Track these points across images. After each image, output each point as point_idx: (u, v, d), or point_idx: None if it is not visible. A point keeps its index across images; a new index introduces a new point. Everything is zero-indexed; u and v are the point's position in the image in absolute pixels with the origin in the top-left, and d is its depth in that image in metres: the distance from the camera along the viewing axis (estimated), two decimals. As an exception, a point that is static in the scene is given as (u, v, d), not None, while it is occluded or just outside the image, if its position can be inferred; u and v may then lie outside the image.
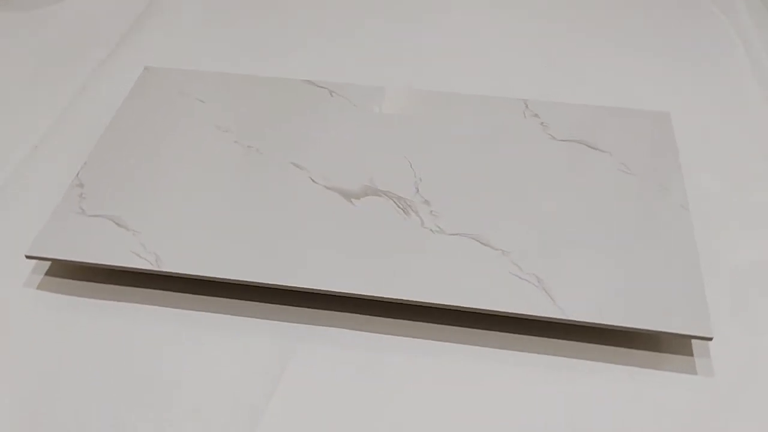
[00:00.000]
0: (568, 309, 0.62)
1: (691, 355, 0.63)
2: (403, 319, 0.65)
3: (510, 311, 0.62)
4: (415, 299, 0.63)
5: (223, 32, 0.92)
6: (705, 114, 0.86)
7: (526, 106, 0.81)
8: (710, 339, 0.60)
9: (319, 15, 1.02)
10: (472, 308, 0.63)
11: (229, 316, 0.66)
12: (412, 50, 0.95)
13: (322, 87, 0.83)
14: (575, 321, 0.62)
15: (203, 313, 0.66)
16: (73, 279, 0.69)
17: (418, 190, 0.72)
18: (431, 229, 0.68)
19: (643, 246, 0.67)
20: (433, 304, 0.63)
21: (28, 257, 0.66)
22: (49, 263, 0.70)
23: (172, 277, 0.66)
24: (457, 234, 0.68)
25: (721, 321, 0.65)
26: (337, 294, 0.64)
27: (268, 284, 0.64)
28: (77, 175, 0.73)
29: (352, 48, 0.96)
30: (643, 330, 0.61)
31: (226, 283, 0.65)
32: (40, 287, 0.68)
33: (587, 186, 0.73)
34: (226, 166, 0.75)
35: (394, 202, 0.71)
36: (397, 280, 0.64)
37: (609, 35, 0.99)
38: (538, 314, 0.62)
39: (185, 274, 0.65)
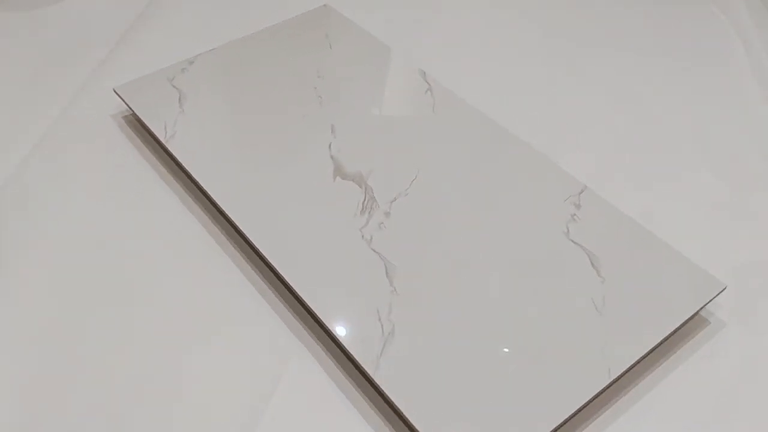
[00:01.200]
0: (382, 370, 0.57)
1: None
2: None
3: (336, 335, 0.60)
4: (286, 277, 0.64)
5: (222, 32, 0.92)
6: (705, 114, 0.86)
7: (580, 193, 0.70)
8: None
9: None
10: (317, 316, 0.61)
11: (229, 316, 0.66)
12: (412, 50, 0.95)
13: (427, 82, 0.84)
14: (375, 383, 0.57)
15: (203, 308, 0.66)
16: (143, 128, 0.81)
17: (394, 201, 0.70)
18: (362, 236, 0.66)
19: (528, 376, 0.57)
20: (293, 290, 0.63)
21: (114, 91, 0.81)
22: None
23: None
24: (377, 253, 0.65)
25: (722, 321, 0.65)
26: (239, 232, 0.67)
27: (214, 202, 0.70)
28: (197, 55, 0.86)
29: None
30: None
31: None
32: (125, 117, 0.84)
33: (545, 295, 0.62)
34: (286, 105, 0.80)
35: (365, 198, 0.70)
36: (287, 253, 0.65)
37: (609, 34, 0.99)
38: (352, 353, 0.59)
39: (174, 156, 0.74)
